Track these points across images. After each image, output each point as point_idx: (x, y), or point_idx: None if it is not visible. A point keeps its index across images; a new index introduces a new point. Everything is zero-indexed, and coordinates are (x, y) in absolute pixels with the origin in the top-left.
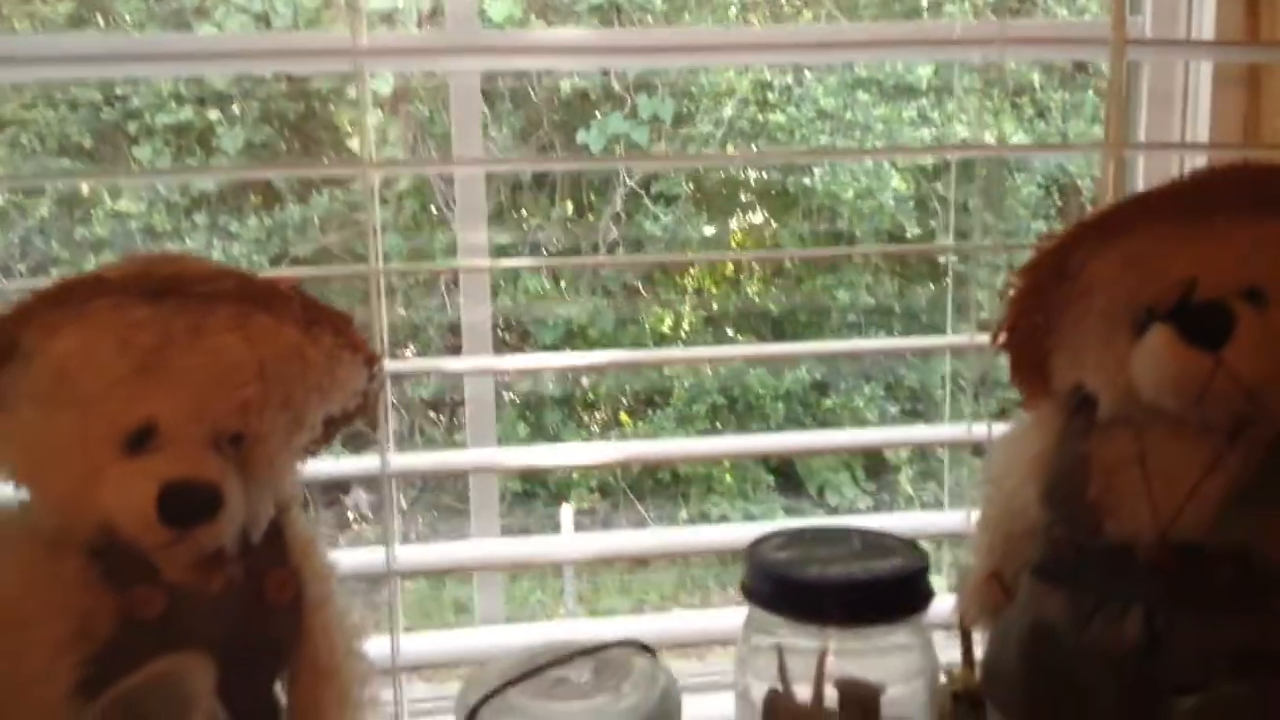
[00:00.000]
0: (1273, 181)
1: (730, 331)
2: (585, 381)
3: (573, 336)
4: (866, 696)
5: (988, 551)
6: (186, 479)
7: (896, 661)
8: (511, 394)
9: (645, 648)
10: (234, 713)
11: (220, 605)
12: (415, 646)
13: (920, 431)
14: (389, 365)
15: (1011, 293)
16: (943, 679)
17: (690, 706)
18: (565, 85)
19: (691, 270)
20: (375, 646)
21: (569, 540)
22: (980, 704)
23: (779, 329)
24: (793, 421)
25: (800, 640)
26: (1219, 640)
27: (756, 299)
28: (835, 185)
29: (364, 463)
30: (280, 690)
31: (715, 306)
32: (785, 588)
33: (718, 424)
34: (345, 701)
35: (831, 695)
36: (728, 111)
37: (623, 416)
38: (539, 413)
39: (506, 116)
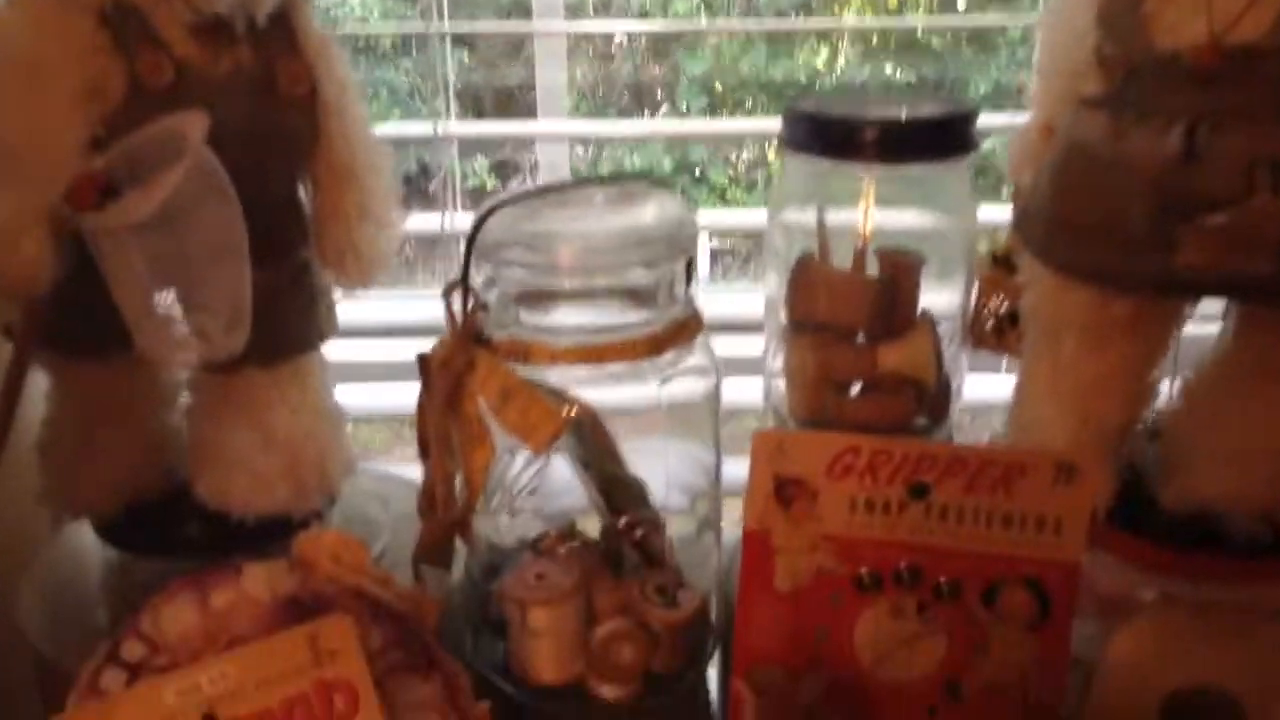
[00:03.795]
0: None
1: (889, 67)
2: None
3: (723, 71)
4: (907, 264)
5: (1042, 99)
6: None
7: (937, 217)
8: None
9: (667, 185)
10: (255, 202)
11: (231, 87)
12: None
13: None
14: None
15: None
16: (985, 247)
17: None
18: None
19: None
20: (429, 221)
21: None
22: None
23: (942, 65)
24: None
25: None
26: (1262, 149)
27: (920, 32)
28: None
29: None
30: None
31: (875, 39)
32: (824, 127)
33: None
34: (365, 213)
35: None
36: None
37: (770, 154)
38: (684, 148)
39: None
